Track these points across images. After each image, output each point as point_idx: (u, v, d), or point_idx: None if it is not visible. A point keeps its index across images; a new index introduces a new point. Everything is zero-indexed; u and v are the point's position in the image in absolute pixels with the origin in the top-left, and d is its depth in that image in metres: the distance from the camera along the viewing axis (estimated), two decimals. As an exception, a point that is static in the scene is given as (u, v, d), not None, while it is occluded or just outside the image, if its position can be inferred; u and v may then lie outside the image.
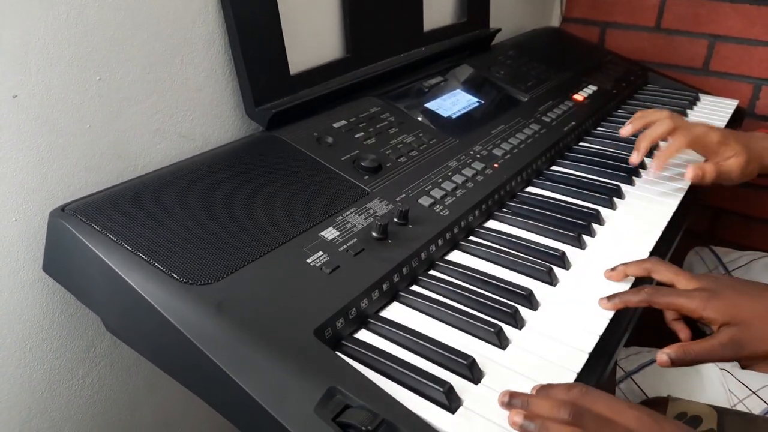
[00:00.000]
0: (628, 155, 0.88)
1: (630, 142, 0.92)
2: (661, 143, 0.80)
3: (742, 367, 0.78)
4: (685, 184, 0.82)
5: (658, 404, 0.67)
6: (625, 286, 0.60)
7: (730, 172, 0.78)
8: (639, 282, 0.62)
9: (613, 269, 0.62)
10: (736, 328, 0.54)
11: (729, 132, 0.81)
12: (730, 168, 0.78)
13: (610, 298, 0.58)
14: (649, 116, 0.83)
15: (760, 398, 0.72)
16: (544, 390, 0.45)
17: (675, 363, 0.55)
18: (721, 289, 0.57)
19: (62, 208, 0.55)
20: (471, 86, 0.96)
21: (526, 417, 0.42)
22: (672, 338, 0.67)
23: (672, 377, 0.77)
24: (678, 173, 0.85)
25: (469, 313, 0.54)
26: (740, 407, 0.70)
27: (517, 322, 0.54)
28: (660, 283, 0.61)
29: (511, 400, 0.44)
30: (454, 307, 0.55)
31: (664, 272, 0.60)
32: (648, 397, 0.73)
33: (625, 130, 0.84)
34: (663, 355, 0.56)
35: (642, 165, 0.86)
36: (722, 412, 0.64)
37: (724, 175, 0.78)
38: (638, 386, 0.76)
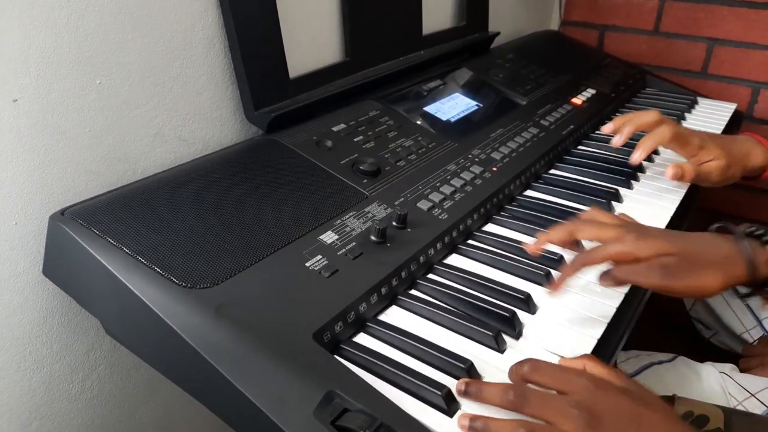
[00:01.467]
0: (626, 159, 0.88)
1: (628, 145, 0.92)
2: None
3: (741, 371, 0.79)
4: (683, 188, 0.82)
5: None
6: (620, 289, 0.60)
7: (709, 173, 0.79)
8: (634, 287, 0.61)
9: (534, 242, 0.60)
10: (671, 258, 0.53)
11: (710, 136, 0.82)
12: (709, 170, 0.79)
13: (551, 284, 0.57)
14: (635, 113, 0.84)
15: (760, 401, 0.72)
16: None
17: (607, 281, 0.55)
18: (646, 229, 0.57)
19: (62, 212, 0.55)
20: (470, 90, 0.96)
21: (471, 419, 0.43)
22: (671, 343, 0.67)
23: (671, 379, 0.77)
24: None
25: (467, 317, 0.55)
26: (740, 409, 0.71)
27: (515, 326, 0.54)
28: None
29: (467, 387, 0.45)
30: (452, 310, 0.56)
31: (586, 231, 0.58)
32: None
33: (607, 128, 0.84)
34: (601, 278, 0.55)
35: (641, 169, 0.87)
36: (729, 412, 0.64)
37: (702, 176, 0.79)
38: (637, 389, 0.77)
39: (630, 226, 0.58)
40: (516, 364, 0.47)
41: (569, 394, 0.43)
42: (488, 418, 0.42)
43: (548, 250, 0.65)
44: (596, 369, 0.47)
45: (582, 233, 0.58)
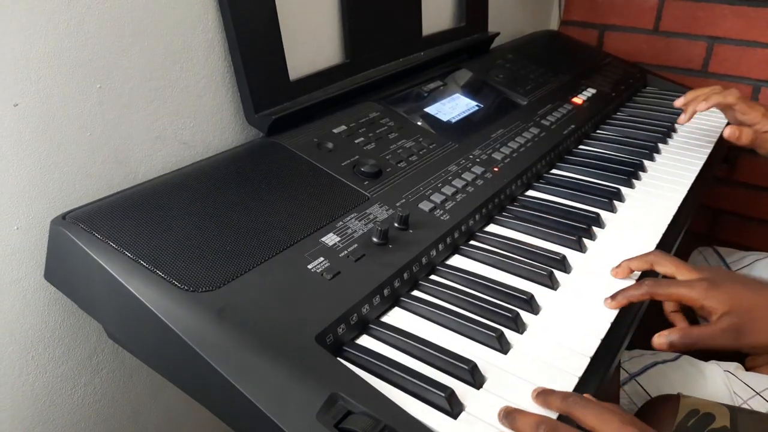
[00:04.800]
0: (627, 157, 0.89)
1: (630, 145, 0.94)
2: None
3: (747, 369, 0.78)
4: (685, 187, 0.82)
5: (669, 401, 0.67)
6: (628, 284, 0.60)
7: (766, 142, 0.84)
8: (643, 277, 0.61)
9: (617, 266, 0.62)
10: (737, 317, 0.55)
11: None
12: (766, 138, 0.84)
13: (613, 296, 0.58)
14: (699, 94, 0.91)
15: (765, 399, 0.72)
16: (541, 396, 0.46)
17: (674, 346, 0.56)
18: (721, 280, 0.57)
19: (63, 216, 0.55)
20: (470, 90, 0.96)
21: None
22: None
23: (676, 378, 0.77)
24: (679, 175, 0.85)
25: (470, 318, 0.54)
26: (745, 408, 0.70)
27: (519, 327, 0.54)
28: (662, 277, 0.61)
29: (506, 413, 0.45)
30: (455, 311, 0.55)
31: (666, 264, 0.60)
32: (652, 397, 0.73)
33: (678, 102, 0.92)
34: (661, 337, 0.56)
35: (642, 167, 0.87)
36: (735, 410, 0.64)
37: (759, 142, 0.85)
38: (642, 387, 0.76)
39: (706, 270, 0.59)
40: (549, 393, 0.46)
41: None
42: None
43: (551, 251, 0.65)
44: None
45: (661, 267, 0.60)
